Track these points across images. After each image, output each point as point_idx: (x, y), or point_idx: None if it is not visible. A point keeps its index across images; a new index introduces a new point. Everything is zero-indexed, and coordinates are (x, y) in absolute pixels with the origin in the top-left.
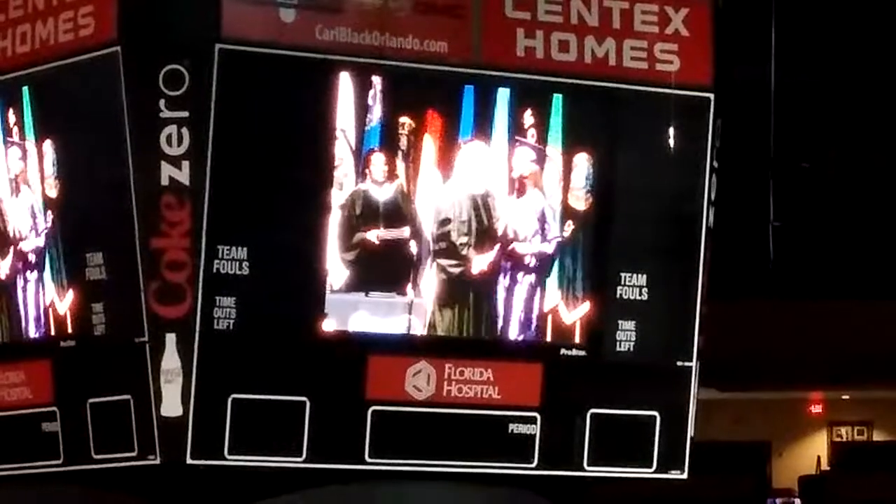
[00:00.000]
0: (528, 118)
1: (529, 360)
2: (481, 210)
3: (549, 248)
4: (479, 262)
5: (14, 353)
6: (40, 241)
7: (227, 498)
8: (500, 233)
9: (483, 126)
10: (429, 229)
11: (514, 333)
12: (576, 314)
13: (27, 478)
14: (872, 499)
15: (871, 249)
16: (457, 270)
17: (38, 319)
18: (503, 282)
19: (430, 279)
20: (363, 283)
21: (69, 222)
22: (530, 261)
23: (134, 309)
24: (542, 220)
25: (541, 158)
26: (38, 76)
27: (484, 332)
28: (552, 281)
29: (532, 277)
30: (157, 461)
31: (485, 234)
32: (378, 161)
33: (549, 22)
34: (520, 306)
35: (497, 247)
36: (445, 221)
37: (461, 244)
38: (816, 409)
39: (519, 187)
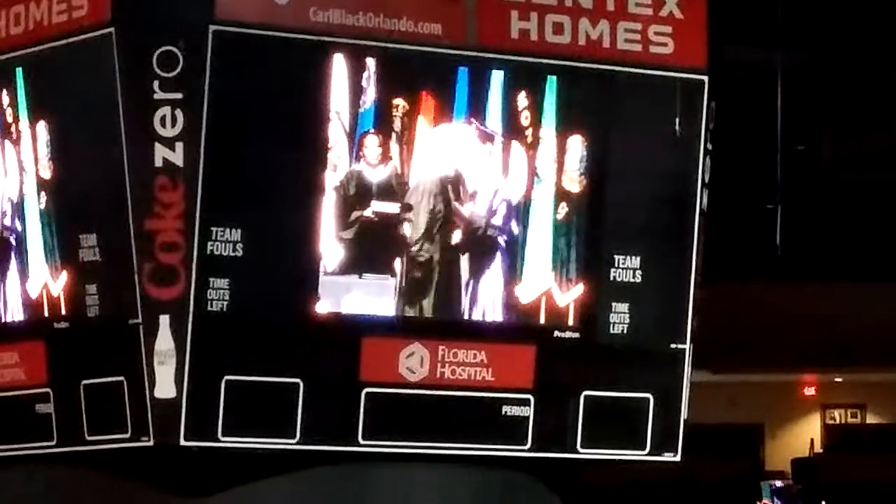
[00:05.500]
0: (523, 100)
1: (523, 342)
2: (474, 191)
3: (542, 230)
4: (471, 243)
5: (7, 335)
6: (34, 222)
7: (220, 479)
8: (493, 214)
9: (477, 108)
10: (422, 210)
11: (507, 315)
12: (569, 296)
13: (20, 459)
14: (865, 481)
15: (865, 231)
16: (449, 252)
17: (31, 301)
18: (496, 263)
19: (423, 260)
20: (357, 265)
21: (63, 203)
22: (523, 242)
23: (127, 290)
24: (536, 202)
25: (535, 141)
26: (31, 57)
27: (477, 314)
28: (546, 263)
29: (524, 259)
30: (151, 443)
31: (477, 215)
32: (372, 143)
33: (543, 4)
34: (513, 288)
35: (489, 228)
36: (438, 202)
37: (453, 224)
38: (810, 391)
39: (512, 169)
